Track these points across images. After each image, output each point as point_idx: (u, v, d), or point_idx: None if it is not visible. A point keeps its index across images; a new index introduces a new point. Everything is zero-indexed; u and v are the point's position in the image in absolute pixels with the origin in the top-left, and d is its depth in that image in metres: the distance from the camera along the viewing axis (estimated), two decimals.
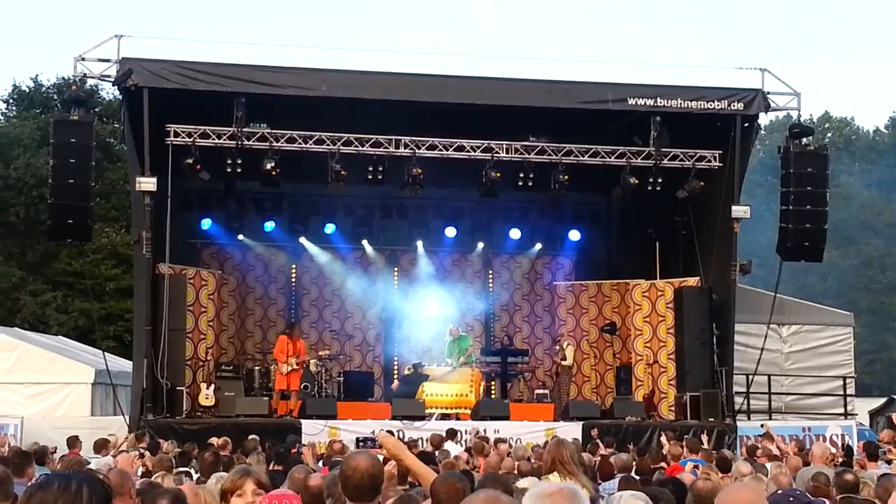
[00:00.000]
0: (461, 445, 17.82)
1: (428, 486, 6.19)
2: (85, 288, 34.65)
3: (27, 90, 44.58)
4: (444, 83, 21.91)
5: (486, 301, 26.96)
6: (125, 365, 24.77)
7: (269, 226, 25.28)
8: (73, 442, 16.15)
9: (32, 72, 65.06)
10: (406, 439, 17.91)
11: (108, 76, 21.12)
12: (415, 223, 26.00)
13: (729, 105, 22.23)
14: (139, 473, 11.18)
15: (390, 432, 16.66)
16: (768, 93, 22.39)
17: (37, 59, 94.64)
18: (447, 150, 22.19)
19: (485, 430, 19.72)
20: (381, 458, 6.17)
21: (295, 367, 22.11)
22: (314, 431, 20.07)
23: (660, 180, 22.60)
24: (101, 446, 15.40)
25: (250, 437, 16.23)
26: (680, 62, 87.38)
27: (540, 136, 22.55)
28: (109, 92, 39.83)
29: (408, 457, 6.57)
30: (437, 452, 14.37)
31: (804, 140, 23.00)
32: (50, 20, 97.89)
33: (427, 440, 17.95)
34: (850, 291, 56.14)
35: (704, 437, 18.12)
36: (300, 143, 21.63)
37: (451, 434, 18.19)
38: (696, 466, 12.16)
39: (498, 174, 22.27)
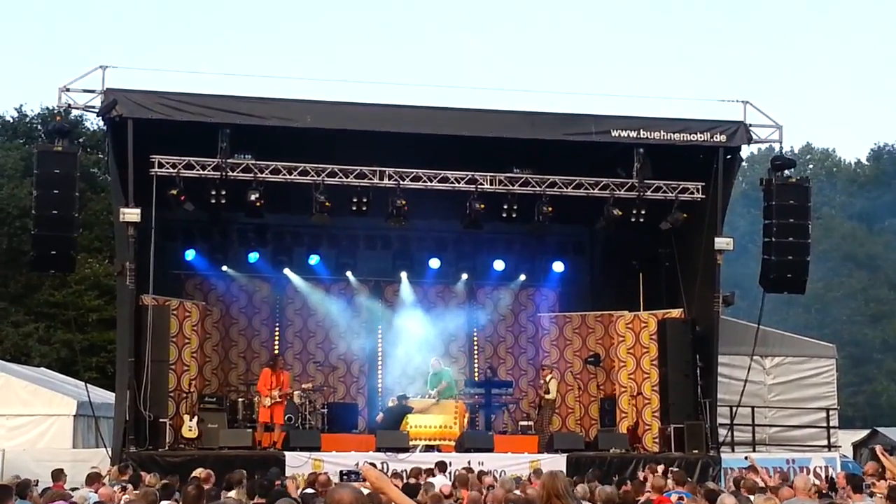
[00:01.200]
0: (448, 478, 17.76)
1: None
2: (68, 319, 34.50)
3: (11, 120, 44.52)
4: (429, 114, 21.94)
5: (469, 332, 26.95)
6: (108, 397, 24.65)
7: (254, 257, 25.26)
8: (58, 475, 16.01)
9: (16, 101, 65.25)
10: (390, 472, 17.86)
11: (93, 107, 21.11)
12: (399, 254, 26.00)
13: (711, 137, 22.36)
14: None
15: (373, 465, 16.60)
16: (750, 125, 22.52)
17: (21, 89, 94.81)
18: (431, 181, 22.23)
19: (469, 462, 19.66)
20: (364, 491, 6.15)
21: (278, 399, 22.03)
22: (298, 464, 19.99)
23: (643, 212, 22.68)
24: (94, 480, 15.28)
25: (236, 470, 16.09)
26: (663, 95, 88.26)
27: (524, 168, 22.60)
28: (94, 122, 39.90)
29: (391, 490, 6.55)
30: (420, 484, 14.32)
31: (786, 172, 23.10)
32: (34, 50, 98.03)
33: (408, 472, 17.90)
34: (833, 323, 56.34)
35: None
36: (284, 174, 21.66)
37: (442, 467, 18.12)
38: (681, 498, 12.16)
39: (482, 206, 22.31)
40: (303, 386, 23.86)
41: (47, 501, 11.44)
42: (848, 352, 48.05)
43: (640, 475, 17.60)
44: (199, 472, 15.79)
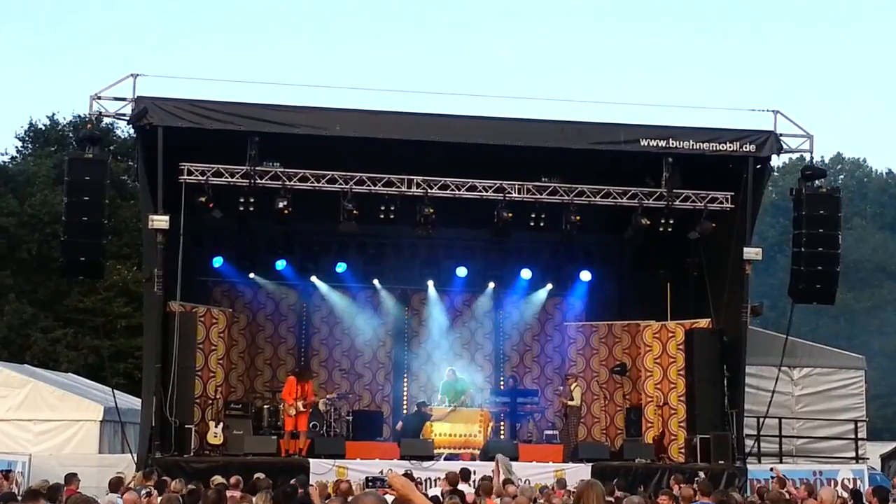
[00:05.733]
0: (472, 486, 17.72)
1: None
2: (96, 325, 34.66)
3: (43, 128, 44.81)
4: (457, 123, 21.95)
5: (496, 341, 26.94)
6: (134, 402, 24.74)
7: (281, 264, 25.33)
8: (70, 479, 16.03)
9: (49, 109, 65.49)
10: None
11: (124, 115, 21.28)
12: (426, 263, 26.02)
13: (741, 147, 22.27)
14: None
15: (408, 475, 16.56)
16: (781, 135, 22.41)
17: (53, 97, 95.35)
18: (459, 189, 22.24)
19: (492, 471, 19.59)
20: (388, 498, 6.13)
21: (302, 409, 22.06)
22: (322, 471, 20.02)
23: (671, 221, 22.60)
24: (116, 485, 15.34)
25: (257, 475, 16.12)
26: (692, 104, 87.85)
27: (552, 177, 22.57)
28: (124, 130, 40.13)
29: (417, 497, 6.53)
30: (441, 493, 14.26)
31: (816, 182, 22.99)
32: (66, 59, 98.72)
33: (434, 480, 17.87)
34: (863, 334, 55.81)
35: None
36: (313, 182, 21.71)
37: (465, 475, 18.08)
38: None
39: (510, 214, 22.29)
40: (327, 396, 23.92)
41: None
42: (877, 363, 47.56)
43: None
44: (218, 478, 15.82)
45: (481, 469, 19.58)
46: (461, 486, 16.54)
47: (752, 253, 22.31)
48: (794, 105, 67.30)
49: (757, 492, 16.49)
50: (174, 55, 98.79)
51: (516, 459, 21.49)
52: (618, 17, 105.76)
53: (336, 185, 21.77)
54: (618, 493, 15.20)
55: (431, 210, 21.99)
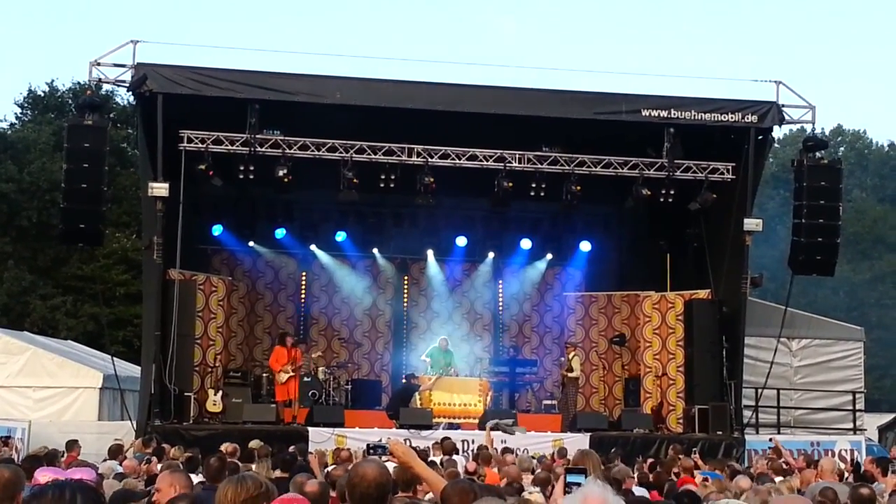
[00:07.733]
0: (466, 456, 17.75)
1: (438, 492, 6.21)
2: (95, 293, 34.70)
3: (42, 95, 44.70)
4: (458, 92, 21.92)
5: (495, 310, 26.94)
6: (134, 370, 24.79)
7: (280, 233, 25.30)
8: (72, 445, 16.09)
9: (48, 76, 65.46)
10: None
11: (123, 81, 21.21)
12: (426, 232, 25.99)
13: (743, 118, 22.20)
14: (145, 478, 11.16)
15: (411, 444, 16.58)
16: (783, 106, 22.35)
17: (52, 64, 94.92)
18: (460, 159, 22.20)
19: (492, 441, 19.65)
20: (389, 465, 6.15)
21: (291, 374, 22.04)
22: (321, 439, 20.06)
23: (672, 192, 22.60)
24: (116, 452, 15.37)
25: (252, 442, 16.13)
26: (694, 74, 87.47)
27: (553, 147, 22.54)
28: (124, 97, 40.05)
29: (418, 464, 6.56)
30: (441, 461, 14.30)
31: (818, 154, 22.93)
32: (66, 25, 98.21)
33: (432, 447, 17.91)
34: (861, 306, 55.87)
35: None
36: (313, 151, 21.67)
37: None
38: (705, 479, 12.10)
39: (510, 184, 22.26)
40: (313, 356, 23.83)
41: (72, 469, 11.48)
42: (876, 335, 47.60)
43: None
44: (225, 446, 15.87)
45: (481, 438, 19.63)
46: (458, 457, 16.59)
47: (752, 224, 22.30)
48: (796, 76, 67.07)
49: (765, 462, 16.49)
50: (174, 22, 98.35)
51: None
52: None
53: (336, 154, 21.73)
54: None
55: (431, 179, 21.95)
